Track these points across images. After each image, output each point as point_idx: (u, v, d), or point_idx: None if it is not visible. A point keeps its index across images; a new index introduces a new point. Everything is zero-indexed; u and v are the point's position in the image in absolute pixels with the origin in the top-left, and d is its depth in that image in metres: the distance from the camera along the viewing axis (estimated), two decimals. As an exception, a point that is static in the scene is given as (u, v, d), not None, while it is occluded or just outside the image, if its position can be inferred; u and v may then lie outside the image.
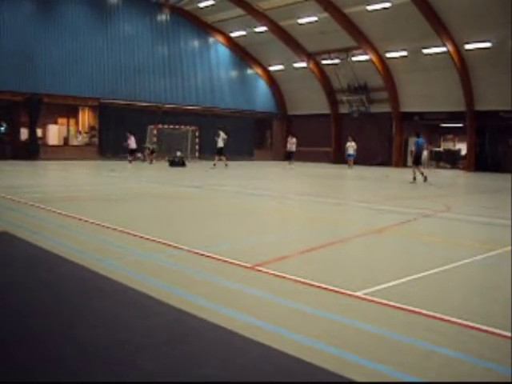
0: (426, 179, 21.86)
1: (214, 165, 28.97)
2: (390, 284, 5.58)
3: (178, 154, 31.23)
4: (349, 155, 34.56)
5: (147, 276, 5.67)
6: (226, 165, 29.51)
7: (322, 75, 43.21)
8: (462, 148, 40.09)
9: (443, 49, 34.33)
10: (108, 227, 8.55)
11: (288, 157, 35.01)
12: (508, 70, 32.62)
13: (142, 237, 7.80)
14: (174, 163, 29.99)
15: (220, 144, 29.84)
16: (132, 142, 31.55)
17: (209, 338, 3.99)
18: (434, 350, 3.86)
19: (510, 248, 7.89)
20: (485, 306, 5.07)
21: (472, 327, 4.34)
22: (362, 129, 41.04)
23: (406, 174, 32.13)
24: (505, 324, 4.43)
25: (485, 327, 4.33)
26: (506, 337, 4.14)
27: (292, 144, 34.43)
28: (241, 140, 42.48)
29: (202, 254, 6.75)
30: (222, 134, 29.92)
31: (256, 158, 44.72)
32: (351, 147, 34.44)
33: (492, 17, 30.77)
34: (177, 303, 4.71)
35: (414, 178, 22.15)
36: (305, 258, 6.93)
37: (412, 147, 23.20)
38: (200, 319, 4.33)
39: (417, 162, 22.40)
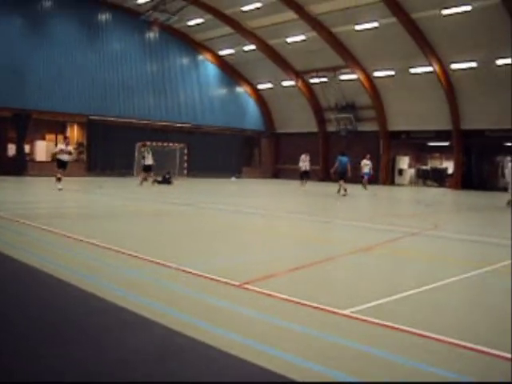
0: (346, 193, 24.58)
1: (141, 183, 26.22)
2: (379, 302, 5.57)
3: (167, 172, 30.93)
4: (365, 174, 31.69)
5: (134, 294, 5.62)
6: (154, 182, 26.41)
7: (310, 93, 43.53)
8: (449, 166, 40.40)
9: (430, 68, 34.77)
10: (96, 244, 8.48)
11: (301, 176, 30.82)
12: (493, 89, 33.07)
13: (129, 254, 7.74)
14: (161, 181, 29.42)
15: (149, 161, 26.91)
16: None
17: (196, 356, 3.96)
18: (420, 368, 3.84)
19: (497, 266, 7.93)
20: (474, 324, 5.07)
21: (460, 345, 4.33)
22: (350, 147, 41.18)
23: (394, 191, 32.30)
24: (493, 341, 4.43)
25: (473, 345, 4.32)
26: (493, 355, 4.14)
27: (305, 162, 30.67)
28: (229, 157, 42.62)
29: (190, 272, 6.71)
30: (151, 151, 27.44)
31: (244, 176, 44.78)
32: (366, 166, 31.75)
33: (477, 37, 31.23)
34: (164, 321, 4.67)
35: (339, 191, 25.11)
36: (293, 276, 6.90)
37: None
38: (187, 337, 4.29)
39: (341, 177, 25.13)
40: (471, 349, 4.27)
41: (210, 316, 4.95)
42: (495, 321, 5.25)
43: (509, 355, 4.12)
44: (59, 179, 21.20)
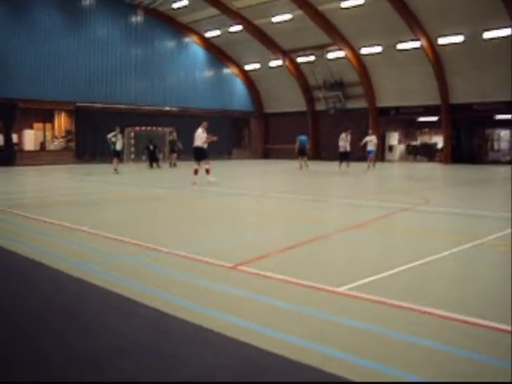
0: (307, 167, 27.60)
1: (115, 169, 24.57)
2: (372, 279, 5.62)
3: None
4: (369, 152, 28.75)
5: (126, 279, 5.64)
6: (116, 170, 24.65)
7: (298, 73, 43.36)
8: (439, 141, 40.50)
9: (417, 44, 34.67)
10: (87, 232, 8.48)
11: (341, 157, 26.12)
12: (480, 62, 33.10)
13: (121, 240, 7.75)
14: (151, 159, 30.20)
15: (119, 146, 25.30)
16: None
17: (191, 339, 3.99)
18: (416, 342, 3.89)
19: (486, 239, 8.00)
20: (464, 298, 5.13)
21: (453, 318, 4.39)
22: (339, 125, 41.10)
23: (384, 168, 32.36)
24: (484, 313, 4.49)
25: (464, 317, 4.38)
26: (484, 326, 4.20)
27: (346, 141, 26.06)
28: (219, 139, 42.39)
29: (182, 256, 6.73)
30: (119, 135, 25.60)
31: (234, 157, 44.71)
32: (371, 142, 28.81)
33: (464, 10, 31.13)
34: (157, 305, 4.69)
35: (301, 167, 27.73)
36: (286, 256, 6.94)
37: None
38: (181, 320, 4.32)
39: (301, 153, 28.32)
40: (462, 321, 4.33)
41: (203, 298, 4.98)
42: (484, 293, 5.32)
43: (498, 325, 4.18)
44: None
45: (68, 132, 36.77)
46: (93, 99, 36.49)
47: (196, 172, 18.08)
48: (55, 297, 5.18)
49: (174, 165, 31.16)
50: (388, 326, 4.22)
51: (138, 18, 39.89)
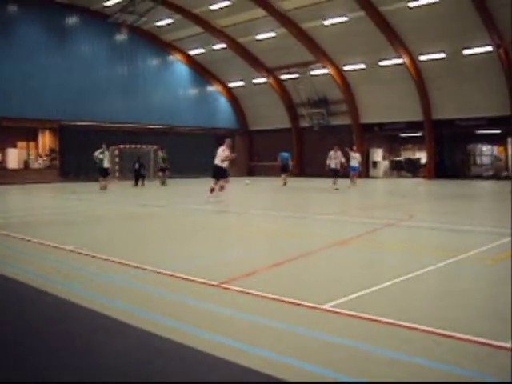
0: (285, 184, 28.11)
1: (104, 187, 24.90)
2: (357, 295, 5.63)
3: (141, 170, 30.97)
4: (353, 169, 28.22)
5: (110, 298, 5.60)
6: (105, 187, 24.95)
7: (282, 90, 43.63)
8: (422, 157, 40.81)
9: (399, 60, 35.09)
10: (70, 251, 8.41)
11: (333, 174, 25.53)
12: (461, 79, 33.59)
13: (107, 259, 7.70)
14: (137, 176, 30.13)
15: (106, 164, 25.50)
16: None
17: (176, 358, 3.97)
18: (399, 358, 3.90)
19: (470, 254, 8.06)
20: (449, 312, 5.14)
21: (437, 333, 4.40)
22: (324, 141, 41.40)
23: (369, 184, 32.52)
24: (468, 328, 4.51)
25: (448, 332, 4.40)
26: (468, 340, 4.22)
27: (335, 159, 25.61)
28: (203, 157, 42.34)
29: (167, 273, 6.70)
30: (106, 152, 25.93)
31: (220, 175, 44.62)
32: (355, 159, 28.31)
33: (445, 28, 31.58)
34: (142, 324, 4.66)
35: (284, 183, 28.19)
36: (272, 273, 6.93)
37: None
38: (167, 340, 4.29)
39: (284, 170, 29.03)
40: (447, 336, 4.34)
41: (189, 317, 4.95)
42: (470, 307, 5.34)
43: (481, 340, 4.20)
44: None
45: (52, 150, 36.57)
46: (77, 117, 36.38)
47: (212, 190, 17.45)
48: (36, 316, 5.13)
49: (163, 182, 30.75)
50: (372, 342, 4.22)
51: (122, 36, 39.92)
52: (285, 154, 29.17)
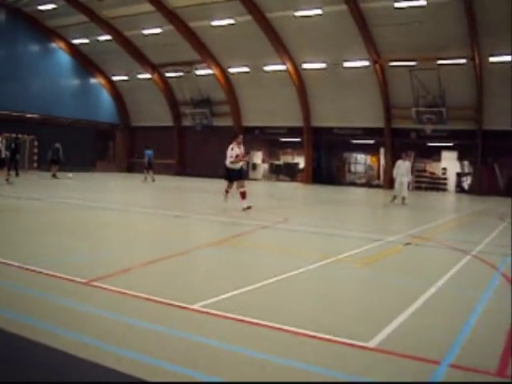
0: (153, 181, 30.14)
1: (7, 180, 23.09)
2: (228, 295, 5.62)
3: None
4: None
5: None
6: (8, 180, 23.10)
7: (166, 87, 43.20)
8: (300, 162, 42.01)
9: (283, 67, 35.95)
10: None
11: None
12: (341, 89, 35.08)
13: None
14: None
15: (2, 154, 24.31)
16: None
17: (37, 359, 3.74)
18: (268, 359, 3.93)
19: (340, 257, 8.36)
20: (317, 313, 5.28)
21: (304, 334, 4.49)
22: (206, 142, 41.54)
23: (249, 186, 32.91)
24: (332, 329, 4.64)
25: (314, 333, 4.50)
26: (332, 341, 4.34)
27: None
28: (83, 151, 40.94)
29: (35, 270, 6.35)
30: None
31: (98, 170, 43.41)
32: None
33: (328, 40, 32.83)
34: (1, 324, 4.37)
35: (145, 179, 30.50)
36: (145, 271, 6.78)
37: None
38: (27, 339, 4.04)
39: (149, 167, 31.07)
40: (312, 336, 4.44)
41: (52, 316, 4.71)
42: (336, 308, 5.52)
43: (342, 339, 4.34)
44: None
45: None
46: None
47: (226, 192, 15.50)
48: None
49: (54, 176, 28.57)
50: (242, 344, 4.22)
51: (-1, 17, 37.50)
52: (149, 152, 31.15)
